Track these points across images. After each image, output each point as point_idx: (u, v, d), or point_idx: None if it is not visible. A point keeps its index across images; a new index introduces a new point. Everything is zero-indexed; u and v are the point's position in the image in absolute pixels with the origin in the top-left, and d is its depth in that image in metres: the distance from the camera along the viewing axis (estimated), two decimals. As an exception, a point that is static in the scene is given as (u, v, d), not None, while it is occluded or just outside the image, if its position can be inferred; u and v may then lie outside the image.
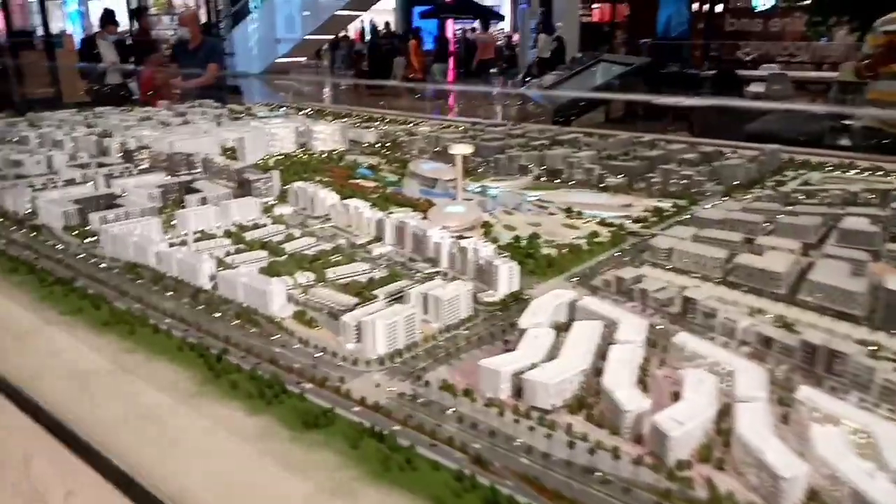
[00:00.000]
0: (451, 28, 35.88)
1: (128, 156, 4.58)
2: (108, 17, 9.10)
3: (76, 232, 3.13)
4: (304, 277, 2.52)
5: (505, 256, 2.51)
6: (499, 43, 32.10)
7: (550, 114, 9.44)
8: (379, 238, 3.02)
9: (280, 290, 2.26)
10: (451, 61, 29.18)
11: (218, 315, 2.22)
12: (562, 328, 2.04)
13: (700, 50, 17.94)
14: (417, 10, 37.22)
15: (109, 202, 3.46)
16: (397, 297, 2.35)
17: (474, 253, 2.47)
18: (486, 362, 1.71)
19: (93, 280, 2.53)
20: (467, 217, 3.21)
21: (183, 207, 3.50)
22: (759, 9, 19.22)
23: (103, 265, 2.69)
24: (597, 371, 1.76)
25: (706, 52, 18.30)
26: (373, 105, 9.70)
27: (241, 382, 1.79)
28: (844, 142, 8.67)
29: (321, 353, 1.94)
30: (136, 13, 14.81)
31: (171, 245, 2.74)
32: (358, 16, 32.94)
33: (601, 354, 1.82)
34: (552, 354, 1.81)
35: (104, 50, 8.38)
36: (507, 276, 2.35)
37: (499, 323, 2.15)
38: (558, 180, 4.15)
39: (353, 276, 2.59)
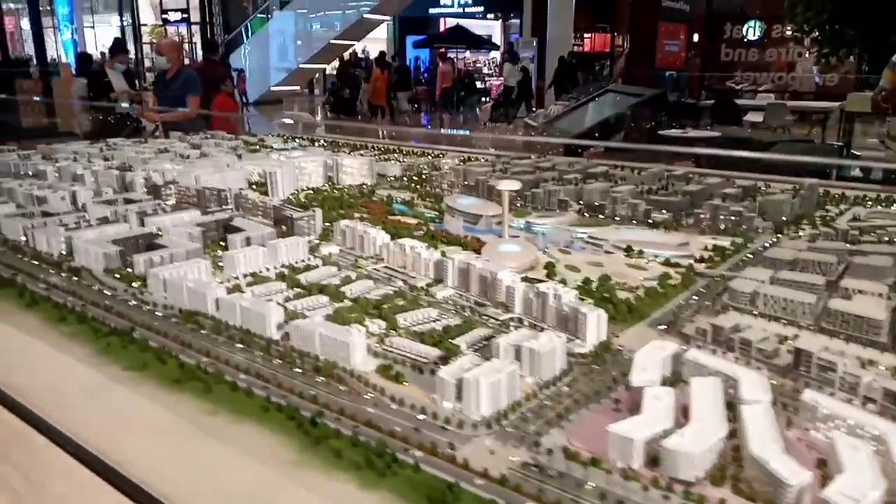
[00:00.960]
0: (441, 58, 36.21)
1: (155, 191, 4.45)
2: (118, 46, 8.99)
3: (118, 275, 2.98)
4: (374, 325, 2.39)
5: (588, 302, 2.39)
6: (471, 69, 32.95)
7: (561, 145, 9.39)
8: (438, 280, 2.90)
9: (361, 342, 2.13)
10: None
11: (299, 370, 2.08)
12: (667, 383, 1.92)
13: (696, 80, 18.12)
14: (411, 38, 37.59)
15: (149, 242, 3.32)
16: (479, 348, 2.23)
17: (556, 299, 2.36)
18: (616, 428, 1.59)
19: (150, 330, 2.38)
20: (525, 257, 3.10)
21: (224, 248, 3.38)
22: (747, 38, 19.57)
23: (159, 313, 2.54)
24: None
25: (702, 82, 18.51)
26: (369, 135, 9.65)
27: (343, 450, 1.65)
28: (856, 173, 8.69)
29: (423, 416, 1.81)
30: (209, 46, 14.91)
31: (229, 291, 2.60)
32: (352, 45, 33.15)
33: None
34: (677, 417, 1.69)
35: (114, 79, 8.27)
36: (596, 325, 2.23)
37: (597, 378, 2.03)
38: (602, 216, 4.07)
39: (425, 322, 2.47)
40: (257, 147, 6.76)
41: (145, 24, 29.77)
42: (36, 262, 3.17)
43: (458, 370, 1.91)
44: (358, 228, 3.34)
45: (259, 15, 33.67)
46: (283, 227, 3.64)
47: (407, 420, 1.80)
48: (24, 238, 3.52)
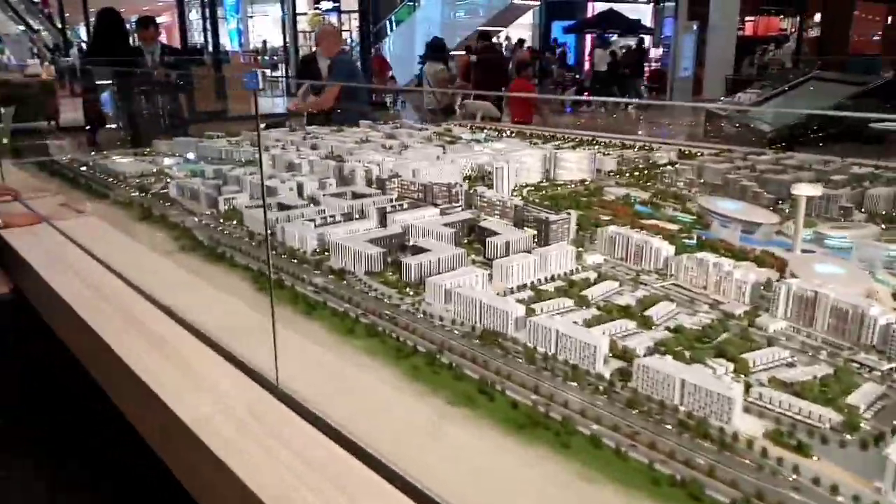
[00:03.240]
0: (591, 43, 35.28)
1: (379, 184, 4.27)
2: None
3: (383, 280, 2.75)
4: (721, 368, 1.97)
5: None
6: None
7: (760, 135, 8.51)
8: (756, 307, 2.43)
9: (740, 396, 1.71)
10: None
11: (668, 427, 1.69)
12: None
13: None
14: (558, 24, 36.74)
15: (401, 243, 3.10)
16: (880, 410, 1.75)
17: (977, 352, 1.82)
18: None
19: (451, 351, 2.09)
20: (857, 282, 2.55)
21: (476, 251, 3.10)
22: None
23: (457, 331, 2.26)
24: None
25: (897, 67, 16.45)
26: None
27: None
28: None
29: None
30: (482, 34, 15.69)
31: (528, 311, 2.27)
32: (499, 31, 32.89)
33: None
34: None
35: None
36: None
37: None
38: (904, 228, 3.40)
39: (776, 366, 2.01)
40: (451, 138, 6.52)
41: (304, 13, 30.89)
42: (294, 261, 3.01)
43: (913, 452, 1.44)
44: (635, 237, 2.92)
45: (407, 3, 34.06)
46: (539, 232, 3.27)
47: (858, 518, 1.36)
48: (269, 232, 3.41)
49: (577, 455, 1.59)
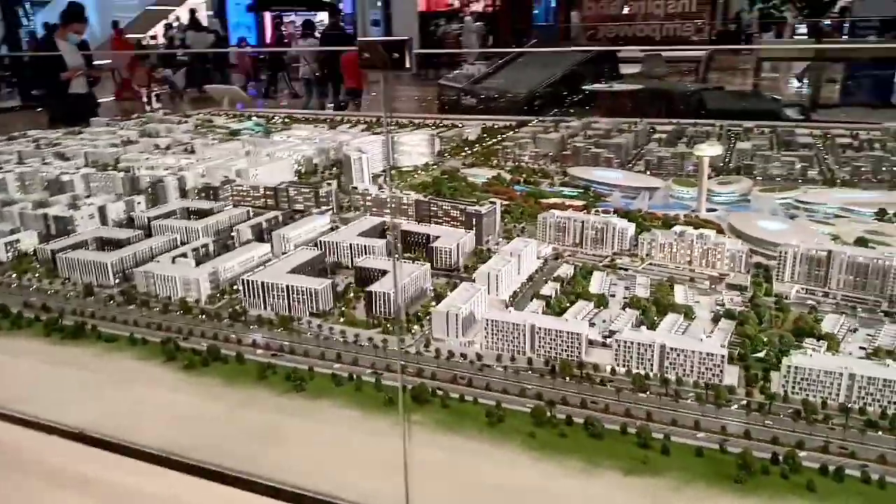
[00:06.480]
0: (270, 23, 34.08)
1: (208, 193, 3.38)
2: (74, 12, 6.45)
3: (346, 318, 2.11)
4: (818, 349, 1.83)
5: None
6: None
7: (512, 103, 8.93)
8: (757, 275, 2.37)
9: (910, 379, 1.57)
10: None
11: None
12: None
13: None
14: (235, 3, 34.75)
15: (322, 267, 2.44)
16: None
17: None
18: None
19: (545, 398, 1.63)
20: (807, 234, 2.65)
21: (411, 261, 2.57)
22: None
23: (515, 369, 1.77)
24: None
25: (567, 36, 18.83)
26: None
27: None
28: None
29: None
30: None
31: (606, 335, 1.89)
32: (171, 10, 30.05)
33: None
34: None
35: (67, 54, 6.05)
36: None
37: None
38: (758, 176, 3.71)
39: (845, 333, 1.95)
40: (224, 129, 5.55)
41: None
42: (201, 317, 2.16)
43: None
44: (591, 219, 2.68)
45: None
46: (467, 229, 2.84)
47: None
48: (114, 282, 2.42)
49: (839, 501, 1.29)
